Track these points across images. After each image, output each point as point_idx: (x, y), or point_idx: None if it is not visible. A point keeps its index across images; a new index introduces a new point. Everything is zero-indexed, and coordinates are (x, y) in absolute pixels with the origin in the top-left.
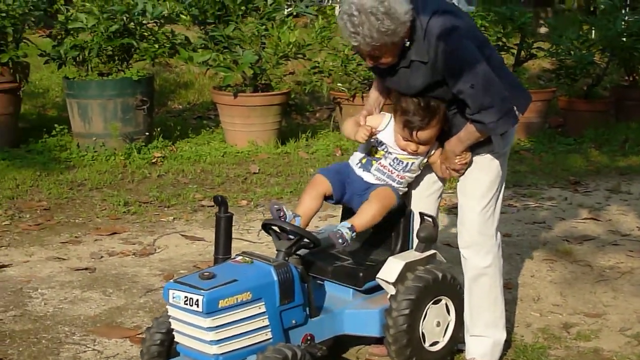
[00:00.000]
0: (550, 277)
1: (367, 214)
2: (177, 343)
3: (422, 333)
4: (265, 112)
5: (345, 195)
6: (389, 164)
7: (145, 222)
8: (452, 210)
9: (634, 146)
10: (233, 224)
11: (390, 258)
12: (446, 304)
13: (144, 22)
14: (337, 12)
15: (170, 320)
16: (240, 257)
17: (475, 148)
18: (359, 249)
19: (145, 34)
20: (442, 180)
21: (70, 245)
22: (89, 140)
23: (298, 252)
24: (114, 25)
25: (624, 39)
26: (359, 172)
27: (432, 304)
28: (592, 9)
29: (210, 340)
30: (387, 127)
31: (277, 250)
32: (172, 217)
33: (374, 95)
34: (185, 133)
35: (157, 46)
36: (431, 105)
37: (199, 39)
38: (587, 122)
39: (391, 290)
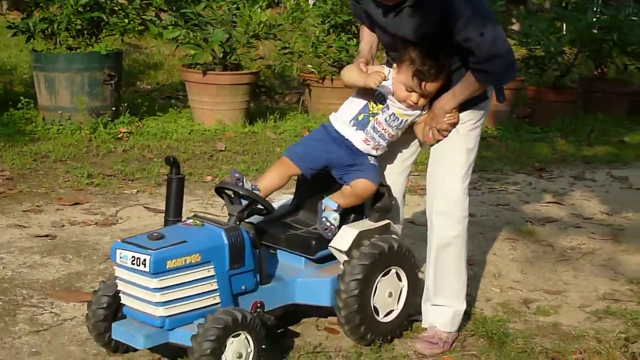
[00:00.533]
0: (512, 256)
1: (349, 199)
2: (124, 305)
3: (375, 307)
4: (233, 91)
5: (324, 168)
6: (385, 119)
7: (108, 194)
8: (417, 190)
9: (600, 137)
10: (189, 189)
11: (344, 227)
12: (397, 273)
13: None
14: (310, 3)
15: (117, 281)
16: (191, 220)
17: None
18: (312, 217)
19: (116, 8)
20: (412, 158)
21: (32, 213)
22: (55, 113)
23: (251, 220)
24: None
25: (595, 31)
26: (350, 132)
27: (382, 276)
28: (564, 4)
29: (157, 302)
30: (388, 81)
31: (229, 214)
32: (135, 190)
33: (366, 46)
34: (153, 111)
35: (127, 21)
36: (440, 57)
37: (169, 16)
38: (555, 112)
39: (343, 259)
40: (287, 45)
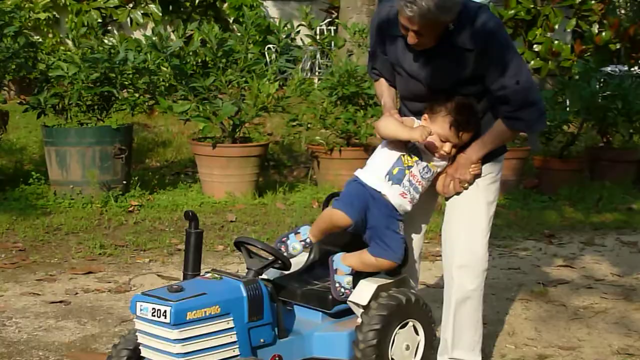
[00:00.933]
0: (525, 315)
1: (369, 269)
2: (144, 358)
3: (392, 359)
4: (243, 164)
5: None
6: (419, 171)
7: (121, 263)
8: (427, 256)
9: (608, 204)
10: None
11: (362, 281)
12: (414, 326)
13: (125, 71)
14: (316, 85)
15: (137, 334)
16: (210, 274)
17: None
18: (328, 272)
19: (126, 83)
20: (429, 214)
21: (46, 282)
22: (66, 187)
23: (267, 276)
24: (94, 74)
25: (599, 100)
26: (387, 186)
27: (399, 328)
28: (568, 78)
29: (177, 353)
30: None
31: (247, 268)
32: (148, 259)
33: (389, 99)
34: (163, 185)
35: (137, 95)
36: (473, 107)
37: (179, 89)
38: (562, 181)
39: (361, 312)
40: (296, 117)
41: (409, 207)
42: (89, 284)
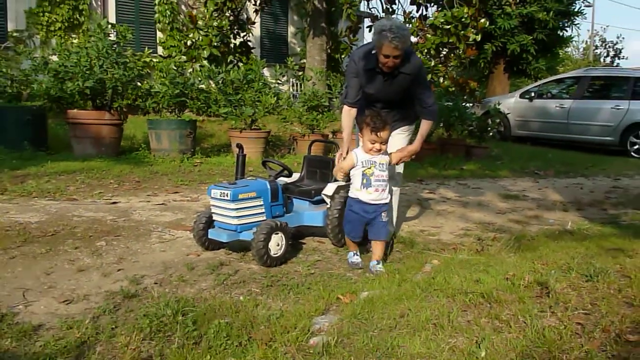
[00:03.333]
0: (412, 213)
1: (383, 248)
2: (215, 220)
3: None
4: (256, 141)
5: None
6: (378, 170)
7: (192, 189)
8: None
9: (450, 167)
10: None
11: (329, 183)
12: None
13: (193, 89)
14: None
15: (211, 207)
16: (250, 177)
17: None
18: (311, 182)
19: (193, 95)
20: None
21: (152, 196)
22: (160, 153)
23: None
24: (176, 91)
25: (447, 111)
26: (364, 192)
27: None
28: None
29: (234, 216)
30: (360, 153)
31: (269, 175)
32: (206, 187)
33: (346, 138)
34: (213, 154)
35: (199, 103)
36: (382, 115)
37: (222, 101)
38: (425, 155)
39: (329, 200)
40: (285, 117)
41: (385, 195)
42: (176, 198)
